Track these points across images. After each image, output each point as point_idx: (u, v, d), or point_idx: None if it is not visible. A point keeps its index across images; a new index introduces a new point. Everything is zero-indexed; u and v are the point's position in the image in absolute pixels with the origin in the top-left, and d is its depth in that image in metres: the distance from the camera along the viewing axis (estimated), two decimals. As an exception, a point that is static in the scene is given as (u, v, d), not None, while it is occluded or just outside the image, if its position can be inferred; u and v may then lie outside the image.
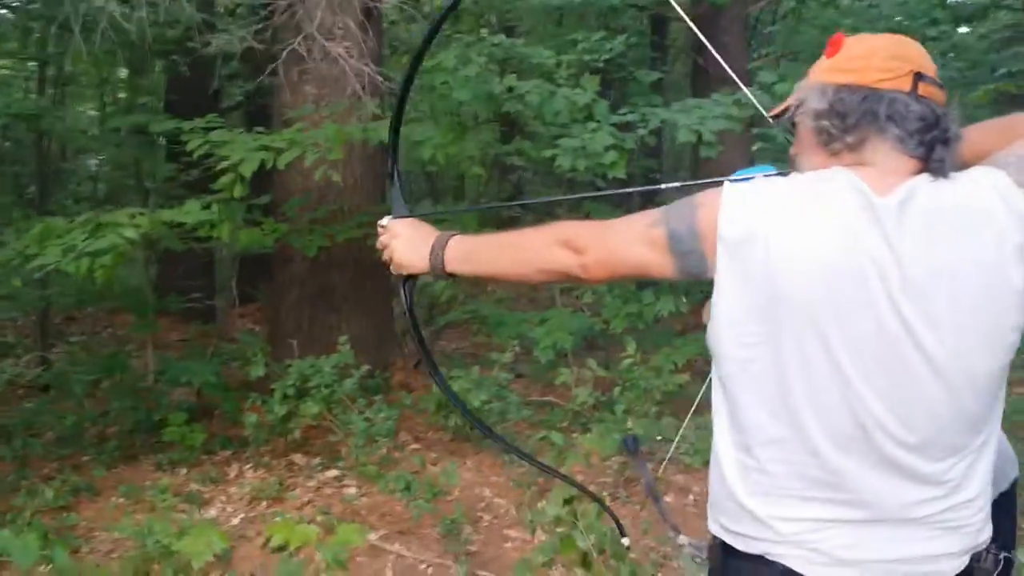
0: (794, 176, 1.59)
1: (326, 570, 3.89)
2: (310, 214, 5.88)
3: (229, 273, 11.26)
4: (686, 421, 3.60)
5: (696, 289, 6.75)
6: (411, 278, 2.02)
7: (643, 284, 6.49)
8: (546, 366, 6.11)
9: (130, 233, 4.07)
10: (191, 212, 4.55)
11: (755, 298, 1.47)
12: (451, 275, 1.88)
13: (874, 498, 1.50)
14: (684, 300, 6.10)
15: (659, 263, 1.58)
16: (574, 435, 5.43)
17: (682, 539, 2.24)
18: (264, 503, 4.87)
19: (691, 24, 2.78)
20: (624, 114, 5.70)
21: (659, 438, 5.26)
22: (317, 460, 5.36)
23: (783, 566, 1.52)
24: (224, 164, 4.70)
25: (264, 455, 5.42)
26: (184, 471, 5.27)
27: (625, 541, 2.38)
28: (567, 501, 3.59)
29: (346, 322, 6.12)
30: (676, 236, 1.55)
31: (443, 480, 4.80)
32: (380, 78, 5.52)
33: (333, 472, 5.24)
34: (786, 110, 1.69)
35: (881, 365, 1.46)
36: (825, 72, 1.62)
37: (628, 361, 5.39)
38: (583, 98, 5.51)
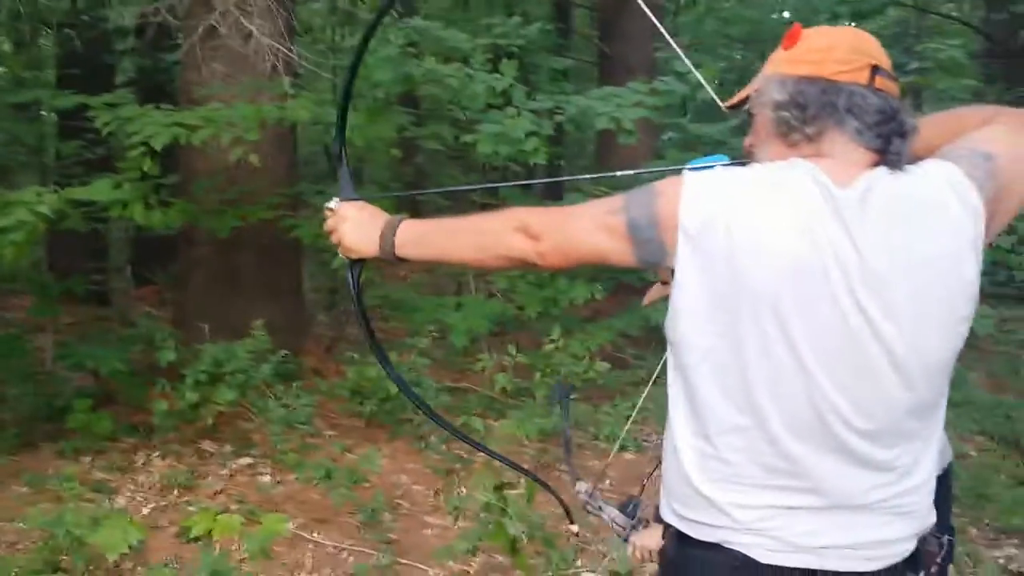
0: (754, 165, 1.60)
1: (248, 561, 3.79)
2: (219, 195, 5.71)
3: (123, 255, 10.89)
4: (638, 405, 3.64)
5: (606, 276, 6.83)
6: (359, 262, 1.97)
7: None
8: (458, 352, 6.10)
9: (43, 209, 3.88)
10: (102, 190, 4.36)
11: (716, 287, 1.47)
12: (401, 259, 1.84)
13: (830, 485, 1.52)
14: (599, 287, 6.16)
15: (618, 251, 1.58)
16: (491, 421, 5.44)
17: (580, 486, 2.25)
18: (175, 492, 4.72)
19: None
20: (541, 100, 5.72)
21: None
22: (228, 448, 5.22)
23: (741, 554, 1.53)
24: (135, 139, 4.52)
25: (172, 443, 5.24)
26: (88, 459, 5.06)
27: (574, 527, 2.38)
28: (497, 487, 3.59)
29: (254, 306, 5.97)
30: (635, 224, 1.55)
31: (363, 467, 4.74)
32: (295, 57, 5.38)
33: (246, 460, 5.12)
34: (743, 100, 1.70)
35: (842, 357, 1.48)
36: (784, 63, 1.63)
37: (550, 347, 5.42)
38: (502, 83, 5.50)
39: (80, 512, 4.01)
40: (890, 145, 1.56)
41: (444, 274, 7.90)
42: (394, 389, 5.27)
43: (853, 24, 9.56)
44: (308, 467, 4.70)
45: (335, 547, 4.34)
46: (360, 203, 1.92)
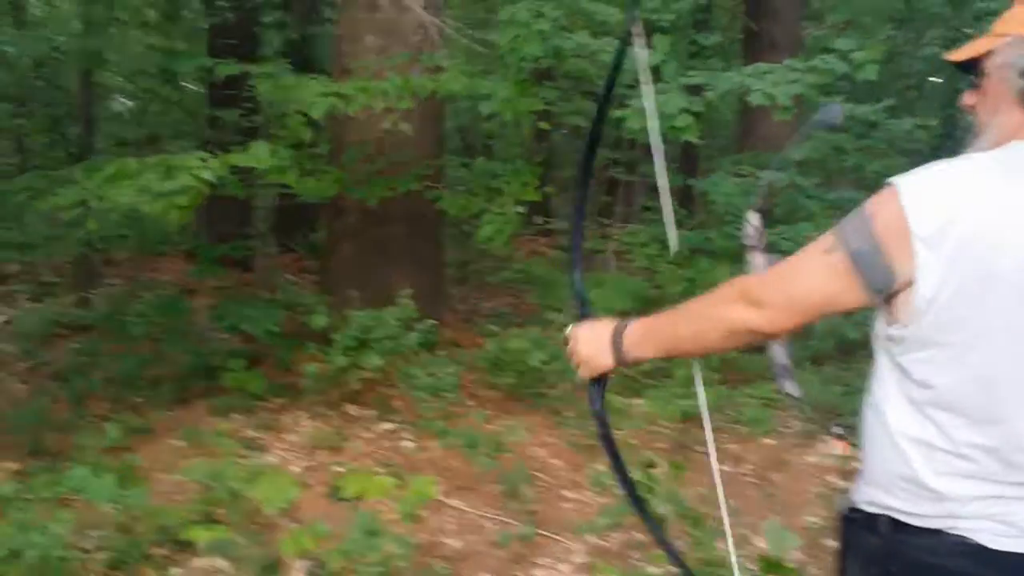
0: (971, 157, 1.53)
1: (399, 522, 3.87)
2: (368, 166, 5.81)
3: (266, 223, 11.26)
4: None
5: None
6: (601, 380, 1.98)
7: (696, 249, 6.43)
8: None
9: (207, 174, 4.03)
10: (261, 157, 4.49)
11: (963, 284, 1.42)
12: (636, 361, 1.86)
13: None
14: (741, 267, 6.04)
15: (846, 289, 1.52)
16: (631, 400, 5.42)
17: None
18: (324, 452, 4.86)
19: None
20: (692, 76, 5.61)
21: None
22: (372, 412, 5.35)
23: (966, 539, 1.49)
24: (292, 108, 4.64)
25: (318, 405, 5.40)
26: (240, 417, 5.25)
27: None
28: (647, 465, 3.56)
29: (398, 275, 6.08)
30: (858, 255, 1.49)
31: (507, 438, 4.78)
32: (449, 29, 5.43)
33: (389, 425, 5.23)
34: (978, 59, 1.62)
35: None
36: None
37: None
38: (655, 58, 5.41)
39: (237, 467, 4.16)
40: None
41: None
42: (533, 363, 5.28)
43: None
44: (452, 435, 4.76)
45: (477, 514, 4.40)
46: (588, 322, 1.94)
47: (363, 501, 4.14)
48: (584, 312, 2.05)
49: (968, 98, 1.66)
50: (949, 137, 8.95)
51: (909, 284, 1.46)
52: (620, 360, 1.83)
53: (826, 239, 1.55)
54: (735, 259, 6.25)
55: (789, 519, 4.55)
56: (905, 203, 1.45)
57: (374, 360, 4.88)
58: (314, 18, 9.60)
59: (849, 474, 4.72)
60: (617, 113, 5.32)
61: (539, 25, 5.15)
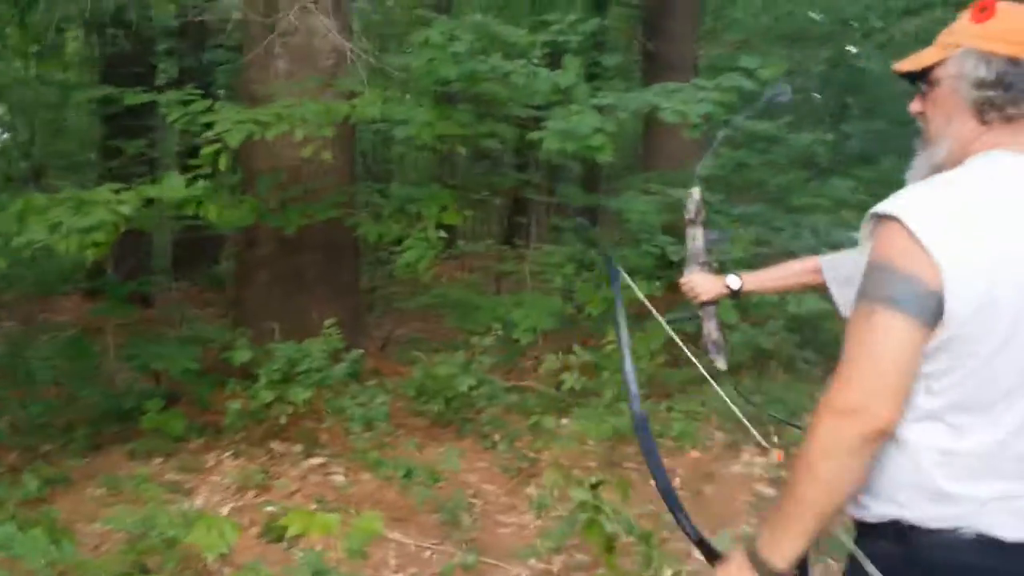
0: (959, 181, 1.57)
1: (345, 561, 3.77)
2: (283, 193, 5.69)
3: (163, 257, 10.92)
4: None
5: (665, 273, 6.77)
6: None
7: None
8: (516, 351, 6.08)
9: (124, 208, 3.87)
10: (175, 188, 4.34)
11: (988, 291, 1.46)
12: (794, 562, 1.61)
13: None
14: (657, 284, 6.12)
15: (913, 336, 1.48)
16: (561, 420, 5.42)
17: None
18: (251, 492, 4.71)
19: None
20: (602, 96, 5.68)
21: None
22: (298, 448, 5.21)
23: (983, 534, 1.52)
24: (209, 135, 4.52)
25: (240, 443, 5.24)
26: (159, 460, 5.06)
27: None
28: (593, 485, 3.56)
29: (318, 305, 5.97)
30: (904, 299, 1.47)
31: (441, 466, 4.72)
32: (363, 54, 5.37)
33: (317, 460, 5.10)
34: (928, 69, 1.67)
35: None
36: (979, 39, 1.60)
37: (611, 347, 5.39)
38: (566, 79, 5.46)
39: (167, 513, 3.99)
40: None
41: (500, 272, 7.90)
42: (461, 388, 5.24)
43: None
44: (388, 465, 4.67)
45: (416, 546, 4.32)
46: (726, 558, 1.71)
47: (302, 540, 4.00)
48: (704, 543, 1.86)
49: (916, 105, 1.72)
50: (839, 151, 9.29)
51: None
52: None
53: (861, 311, 1.52)
54: (651, 276, 6.35)
55: (725, 529, 4.61)
56: (913, 228, 1.47)
57: (302, 394, 4.76)
58: (209, 45, 9.39)
59: (780, 483, 4.83)
60: (534, 135, 5.36)
61: (454, 48, 5.15)
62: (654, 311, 2.67)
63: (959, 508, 1.53)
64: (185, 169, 4.87)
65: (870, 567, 1.58)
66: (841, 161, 8.93)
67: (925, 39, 1.75)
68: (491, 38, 5.86)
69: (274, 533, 4.13)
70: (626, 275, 2.78)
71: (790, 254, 6.00)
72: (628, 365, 2.31)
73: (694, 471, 5.39)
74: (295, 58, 5.68)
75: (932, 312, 1.47)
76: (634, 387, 2.21)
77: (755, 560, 1.58)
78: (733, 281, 2.61)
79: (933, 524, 1.55)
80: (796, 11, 9.25)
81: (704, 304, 2.66)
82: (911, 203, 1.51)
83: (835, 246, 6.22)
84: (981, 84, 1.58)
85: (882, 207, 1.53)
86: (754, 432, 2.08)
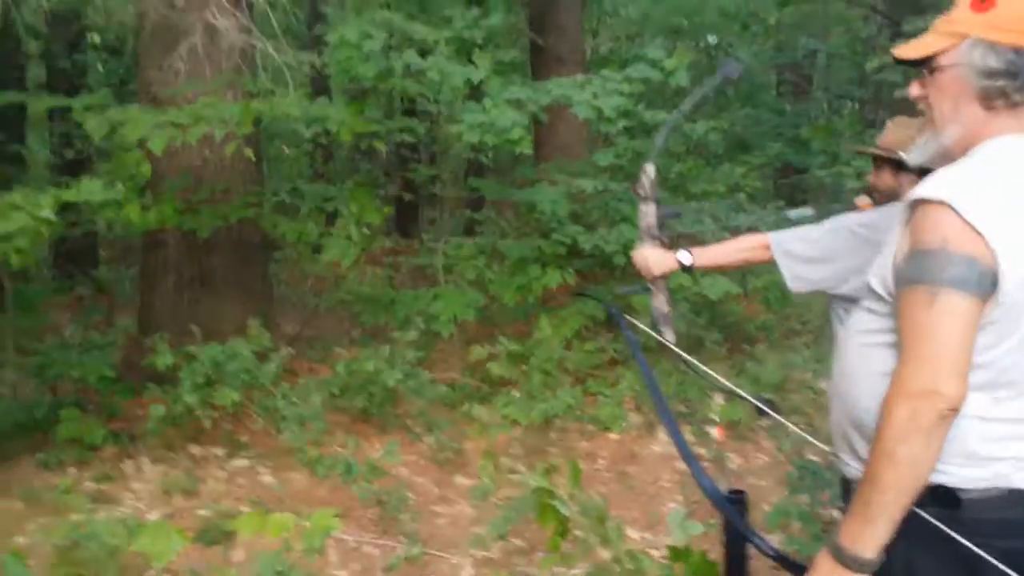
0: (995, 163, 1.64)
1: (302, 560, 3.75)
2: (190, 195, 5.57)
3: (43, 262, 10.45)
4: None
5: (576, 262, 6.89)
6: None
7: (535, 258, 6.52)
8: (437, 344, 6.12)
9: (46, 214, 3.73)
10: (94, 192, 4.20)
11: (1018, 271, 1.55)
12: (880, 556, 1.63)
13: None
14: (571, 272, 6.26)
15: (976, 315, 1.54)
16: (485, 407, 5.49)
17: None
18: (178, 497, 4.62)
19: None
20: (514, 90, 5.76)
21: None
22: (220, 450, 5.12)
23: (1012, 488, 1.62)
24: (125, 142, 4.39)
25: (157, 448, 5.11)
26: (73, 470, 4.91)
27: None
28: (546, 471, 3.63)
29: (229, 306, 5.87)
30: (963, 279, 1.53)
31: (382, 461, 4.73)
32: (273, 52, 5.30)
33: (242, 461, 5.04)
34: (931, 57, 1.71)
35: None
36: (983, 28, 1.65)
37: (539, 335, 5.49)
38: (479, 74, 5.52)
39: (104, 522, 3.88)
40: None
41: (414, 267, 7.89)
42: (388, 382, 5.24)
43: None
44: (325, 463, 4.64)
45: (356, 541, 4.33)
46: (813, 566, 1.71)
47: (242, 543, 3.95)
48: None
49: (915, 90, 1.77)
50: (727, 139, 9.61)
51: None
52: (857, 565, 1.62)
53: (919, 293, 1.56)
54: (561, 265, 6.48)
55: (654, 507, 4.78)
56: (964, 211, 1.53)
57: (231, 395, 4.68)
58: (81, 45, 9.05)
59: (717, 461, 5.01)
60: (453, 128, 5.41)
61: (369, 45, 5.14)
62: (681, 353, 2.64)
63: (993, 468, 1.63)
64: (61, 173, 4.72)
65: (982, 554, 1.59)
66: (728, 148, 9.26)
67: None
68: (402, 35, 5.88)
69: (209, 537, 4.07)
70: (636, 322, 2.82)
71: (694, 238, 6.22)
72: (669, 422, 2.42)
73: (616, 453, 5.55)
74: (195, 58, 5.53)
75: (988, 291, 1.54)
76: (684, 447, 2.24)
77: (842, 557, 1.61)
78: (684, 256, 2.75)
79: (970, 485, 1.63)
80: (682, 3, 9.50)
81: (656, 278, 2.78)
82: (956, 188, 1.56)
83: (734, 230, 6.52)
84: (990, 74, 1.63)
85: (926, 192, 1.58)
86: (762, 404, 2.16)
